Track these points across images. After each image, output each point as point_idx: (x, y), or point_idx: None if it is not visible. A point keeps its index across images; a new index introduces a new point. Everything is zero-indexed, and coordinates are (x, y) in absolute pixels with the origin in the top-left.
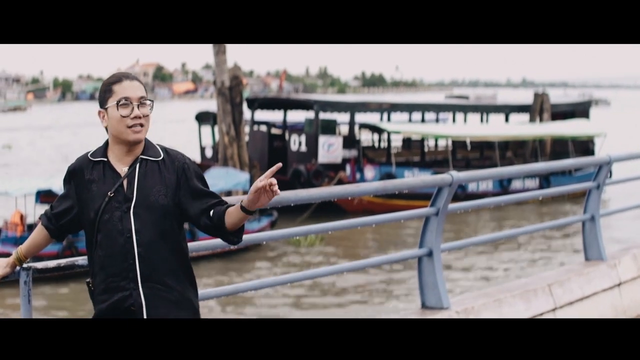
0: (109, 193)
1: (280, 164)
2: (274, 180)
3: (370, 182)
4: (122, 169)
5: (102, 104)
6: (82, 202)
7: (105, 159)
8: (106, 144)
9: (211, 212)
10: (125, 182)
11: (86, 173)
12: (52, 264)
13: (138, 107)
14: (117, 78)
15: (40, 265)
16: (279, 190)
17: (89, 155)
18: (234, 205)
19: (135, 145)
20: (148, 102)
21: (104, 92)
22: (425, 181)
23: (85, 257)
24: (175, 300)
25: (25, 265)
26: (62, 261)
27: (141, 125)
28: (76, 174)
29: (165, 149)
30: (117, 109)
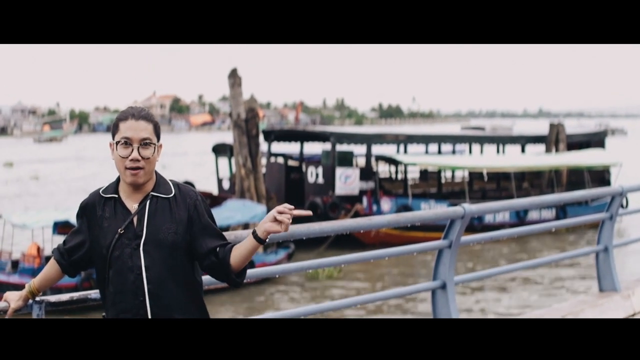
0: (119, 230)
1: (310, 212)
2: (293, 210)
3: (383, 216)
4: (133, 206)
5: (113, 137)
6: (94, 238)
7: (117, 196)
8: (118, 179)
9: (217, 250)
10: (135, 219)
11: (98, 209)
12: (65, 297)
13: (139, 149)
14: (124, 116)
15: (53, 298)
16: (288, 221)
17: (100, 191)
18: (239, 244)
19: (137, 186)
20: (152, 144)
21: (113, 127)
22: (438, 214)
23: (97, 291)
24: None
25: (38, 298)
26: (75, 294)
27: (140, 167)
28: (88, 210)
29: (177, 185)
30: (117, 149)
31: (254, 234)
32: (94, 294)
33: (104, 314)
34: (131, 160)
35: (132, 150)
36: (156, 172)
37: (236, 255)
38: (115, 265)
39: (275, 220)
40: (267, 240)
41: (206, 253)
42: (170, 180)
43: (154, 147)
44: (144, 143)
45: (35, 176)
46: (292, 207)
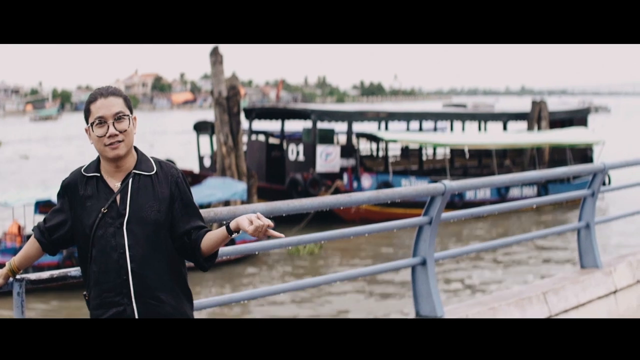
0: (102, 209)
1: (282, 235)
2: (271, 224)
3: (363, 192)
4: (115, 185)
5: (86, 122)
6: (76, 217)
7: (99, 174)
8: (99, 158)
9: (192, 232)
10: (118, 198)
11: (80, 188)
12: (45, 275)
13: (114, 124)
14: (93, 97)
15: (33, 276)
16: (260, 230)
17: (82, 170)
18: (213, 230)
19: (119, 160)
20: (126, 116)
21: (85, 112)
22: (418, 190)
23: (79, 268)
24: (169, 315)
25: (18, 276)
26: (55, 272)
27: (119, 141)
28: (70, 189)
29: (159, 162)
30: (93, 130)
31: (227, 224)
32: (74, 271)
33: (85, 292)
34: (109, 136)
35: (108, 127)
36: (137, 149)
37: (207, 241)
38: (98, 244)
39: (251, 223)
40: (235, 234)
41: (181, 234)
42: (152, 157)
43: (129, 119)
44: (118, 117)
45: (25, 155)
46: (272, 224)
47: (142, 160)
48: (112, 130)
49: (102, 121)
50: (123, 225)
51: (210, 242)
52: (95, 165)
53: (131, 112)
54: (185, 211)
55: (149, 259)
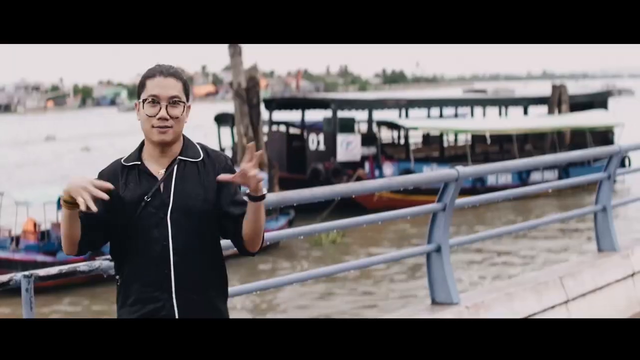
0: (145, 198)
1: (255, 149)
2: (250, 170)
3: (376, 180)
4: (159, 172)
5: (138, 96)
6: (115, 208)
7: (139, 163)
8: (141, 145)
9: (238, 219)
10: (162, 186)
11: (121, 178)
12: (53, 270)
13: (167, 108)
14: (152, 72)
15: (42, 272)
16: (254, 174)
17: (122, 160)
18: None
19: (164, 146)
20: (180, 102)
21: (139, 85)
22: (431, 177)
23: (87, 263)
24: (208, 311)
25: (26, 272)
26: (64, 267)
27: (169, 126)
28: (108, 179)
29: (205, 149)
30: (144, 107)
31: (249, 195)
32: (83, 266)
33: (117, 277)
34: (159, 119)
35: (160, 108)
36: (183, 135)
37: (245, 225)
38: (139, 236)
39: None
40: (260, 194)
41: (232, 222)
42: (198, 144)
43: (183, 106)
44: (173, 101)
45: (87, 147)
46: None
47: (188, 146)
48: (163, 112)
49: (155, 100)
50: (167, 215)
51: (247, 223)
52: (137, 154)
53: (187, 99)
54: (236, 201)
55: (192, 251)
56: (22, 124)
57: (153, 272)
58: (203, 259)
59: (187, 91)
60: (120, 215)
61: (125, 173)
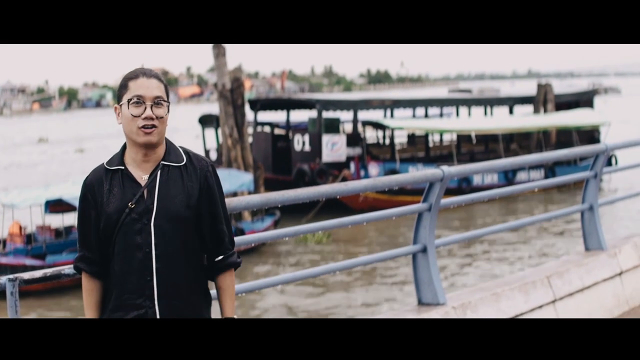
0: (129, 204)
1: None
2: None
3: (360, 180)
4: (142, 177)
5: (118, 99)
6: (101, 214)
7: (123, 167)
8: (123, 148)
9: (214, 256)
10: (145, 192)
11: (105, 184)
12: (38, 274)
13: (152, 108)
14: (134, 74)
15: (26, 275)
16: None
17: (105, 164)
18: (231, 266)
19: (149, 148)
20: (164, 102)
21: (120, 88)
22: (416, 177)
23: (72, 267)
24: (190, 317)
25: (11, 276)
26: (49, 271)
27: (154, 126)
28: (94, 187)
29: (188, 153)
30: (129, 107)
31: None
32: (68, 269)
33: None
34: (144, 118)
35: (145, 108)
36: (166, 139)
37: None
38: (122, 243)
39: None
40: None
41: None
42: (180, 147)
43: (167, 107)
44: (157, 101)
45: (80, 149)
46: None
47: (171, 149)
48: (148, 112)
49: (140, 101)
50: (150, 221)
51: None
52: (119, 157)
53: (168, 102)
54: (212, 221)
55: (175, 258)
56: (10, 126)
57: (135, 279)
58: (185, 266)
59: (167, 93)
60: (104, 220)
61: (109, 178)
